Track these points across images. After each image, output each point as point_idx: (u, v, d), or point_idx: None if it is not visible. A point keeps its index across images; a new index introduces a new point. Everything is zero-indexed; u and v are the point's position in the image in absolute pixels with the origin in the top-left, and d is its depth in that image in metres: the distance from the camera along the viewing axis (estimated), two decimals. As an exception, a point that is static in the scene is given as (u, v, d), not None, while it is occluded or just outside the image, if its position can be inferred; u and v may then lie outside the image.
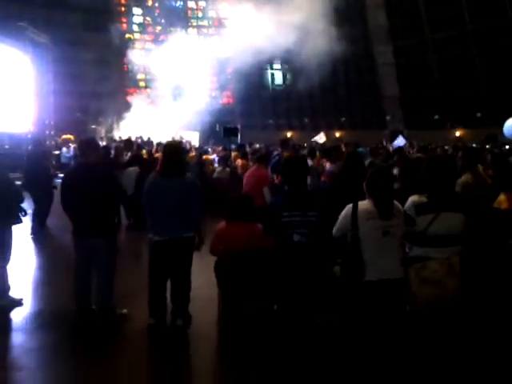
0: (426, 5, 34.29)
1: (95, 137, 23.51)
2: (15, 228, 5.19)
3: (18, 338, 4.46)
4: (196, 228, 4.57)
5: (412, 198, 3.44)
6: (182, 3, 45.80)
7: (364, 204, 3.35)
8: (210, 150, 18.27)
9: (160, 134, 25.46)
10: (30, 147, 10.36)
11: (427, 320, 3.34)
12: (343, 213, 3.41)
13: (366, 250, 3.26)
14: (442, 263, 3.32)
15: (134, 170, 8.77)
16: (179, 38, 35.15)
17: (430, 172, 3.48)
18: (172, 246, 4.46)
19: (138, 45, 45.40)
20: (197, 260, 4.72)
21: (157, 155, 10.33)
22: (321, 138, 24.00)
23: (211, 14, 45.69)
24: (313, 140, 24.19)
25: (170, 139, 17.27)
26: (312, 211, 3.46)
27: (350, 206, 3.37)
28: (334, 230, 3.46)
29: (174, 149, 4.63)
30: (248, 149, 14.26)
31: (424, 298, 3.33)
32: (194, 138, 32.27)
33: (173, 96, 35.70)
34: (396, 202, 3.38)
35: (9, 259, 5.05)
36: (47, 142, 19.61)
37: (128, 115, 36.05)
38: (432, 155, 5.46)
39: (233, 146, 17.29)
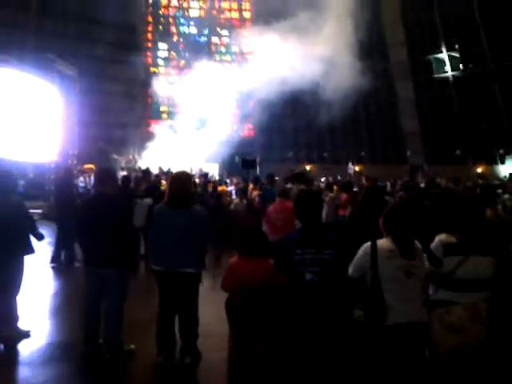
0: (446, 41, 34.46)
1: (113, 167, 23.90)
2: (33, 257, 5.16)
3: (23, 372, 4.36)
4: (200, 263, 4.48)
5: (440, 237, 3.25)
6: (206, 38, 46.94)
7: (383, 242, 3.19)
8: (227, 181, 18.30)
9: (180, 165, 25.70)
10: (57, 175, 10.38)
11: (450, 369, 3.12)
12: (361, 251, 3.24)
13: (387, 291, 3.08)
14: (467, 309, 3.13)
15: (147, 201, 8.60)
16: (203, 69, 35.81)
17: (460, 211, 3.28)
18: (172, 279, 4.37)
19: (162, 78, 46.48)
20: (208, 294, 4.61)
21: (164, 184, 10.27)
22: (350, 168, 24.41)
23: (234, 48, 46.64)
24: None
25: (179, 170, 17.32)
26: (326, 249, 3.32)
27: (368, 244, 3.21)
28: (351, 270, 3.28)
29: (180, 179, 4.57)
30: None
31: (447, 346, 3.13)
32: (213, 170, 32.49)
33: (195, 127, 36.23)
34: (416, 242, 3.22)
35: (18, 290, 4.99)
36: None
37: (150, 145, 36.60)
38: (462, 193, 5.24)
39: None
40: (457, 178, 9.02)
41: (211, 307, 4.88)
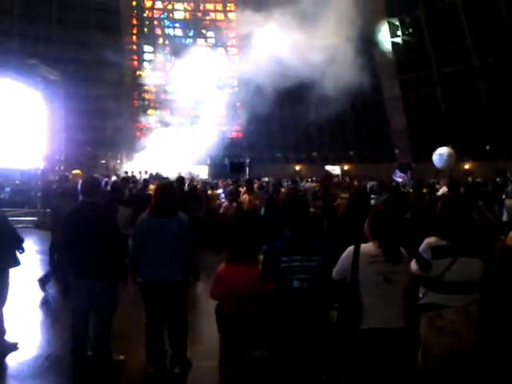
0: (431, 40, 34.69)
1: (102, 171, 23.60)
2: (21, 268, 5.08)
3: (10, 386, 4.29)
4: (188, 271, 4.45)
5: (428, 240, 3.23)
6: (191, 40, 46.82)
7: (367, 246, 3.19)
8: (220, 184, 18.20)
9: (169, 169, 25.59)
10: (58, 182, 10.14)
11: (442, 374, 3.11)
12: (344, 254, 3.27)
13: (365, 295, 3.09)
14: (458, 312, 3.11)
15: (127, 210, 7.89)
16: (191, 60, 35.69)
17: (448, 213, 3.27)
18: (160, 290, 4.32)
19: (148, 81, 46.27)
20: (198, 303, 4.57)
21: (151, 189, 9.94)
22: (334, 169, 24.42)
23: (219, 50, 46.58)
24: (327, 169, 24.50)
25: (168, 176, 17.20)
26: (313, 255, 3.30)
27: (352, 247, 3.22)
28: (334, 273, 3.31)
29: (166, 189, 4.53)
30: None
31: (438, 349, 3.11)
32: (202, 173, 32.44)
33: (186, 123, 36.13)
34: (401, 248, 3.22)
35: (4, 302, 4.91)
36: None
37: (138, 150, 36.43)
38: (449, 195, 5.24)
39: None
40: (455, 183, 8.88)
41: (201, 315, 4.84)
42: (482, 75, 32.40)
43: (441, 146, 24.94)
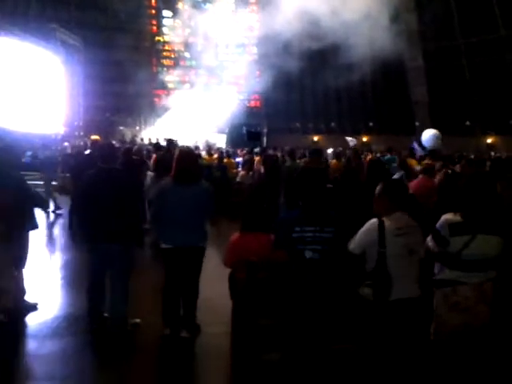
0: (458, 9, 33.54)
1: (120, 138, 23.67)
2: (40, 230, 5.20)
3: (30, 345, 4.45)
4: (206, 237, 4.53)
5: (446, 217, 3.20)
6: (211, 5, 46.05)
7: (390, 219, 3.19)
8: (237, 152, 18.11)
9: (187, 137, 25.59)
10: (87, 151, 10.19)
11: (453, 349, 3.13)
12: (366, 228, 3.24)
13: (390, 267, 3.12)
14: (473, 289, 3.12)
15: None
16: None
17: (469, 190, 3.22)
18: (181, 255, 4.40)
19: (166, 47, 45.89)
20: (208, 269, 4.64)
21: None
22: (352, 140, 24.11)
23: (240, 12, 45.75)
24: (347, 139, 24.26)
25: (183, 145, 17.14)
26: (327, 226, 3.30)
27: (375, 221, 3.21)
28: (353, 246, 3.27)
29: (187, 155, 4.55)
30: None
31: (451, 325, 3.13)
32: (221, 141, 32.38)
33: (209, 91, 35.79)
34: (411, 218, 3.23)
35: (25, 263, 5.05)
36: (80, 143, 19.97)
37: (156, 116, 36.47)
38: (472, 172, 5.15)
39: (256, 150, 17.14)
40: (470, 159, 8.70)
41: (212, 282, 4.92)
42: (509, 46, 31.35)
43: (462, 118, 24.34)
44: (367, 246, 3.22)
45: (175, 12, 45.41)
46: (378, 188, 3.38)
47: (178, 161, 4.49)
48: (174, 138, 23.68)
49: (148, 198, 6.50)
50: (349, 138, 24.56)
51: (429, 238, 3.24)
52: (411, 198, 4.38)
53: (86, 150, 10.78)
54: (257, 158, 12.36)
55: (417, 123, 37.51)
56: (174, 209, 4.39)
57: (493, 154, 21.58)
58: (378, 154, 16.29)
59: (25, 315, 4.88)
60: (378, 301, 3.12)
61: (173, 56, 45.65)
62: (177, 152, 4.64)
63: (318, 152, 8.88)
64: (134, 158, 9.72)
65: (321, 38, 25.85)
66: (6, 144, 5.51)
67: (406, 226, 3.22)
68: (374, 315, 3.18)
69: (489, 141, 32.69)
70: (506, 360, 3.31)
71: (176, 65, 45.34)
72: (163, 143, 16.02)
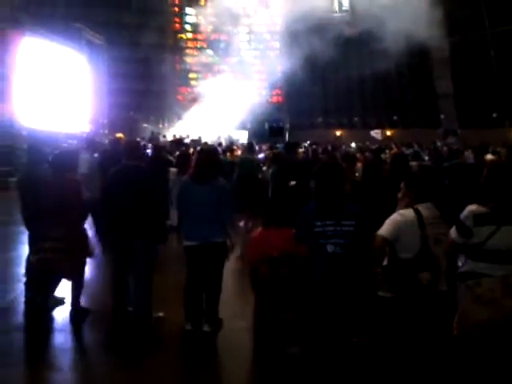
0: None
1: (143, 136, 23.88)
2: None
3: (57, 338, 4.57)
4: (226, 234, 4.57)
5: (470, 207, 3.14)
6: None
7: (423, 209, 3.22)
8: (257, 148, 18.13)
9: (210, 133, 25.74)
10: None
11: (477, 344, 3.08)
12: (399, 215, 3.25)
13: None
14: (497, 281, 3.06)
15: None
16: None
17: (493, 180, 3.18)
18: (203, 252, 4.47)
19: (190, 44, 46.17)
20: (229, 265, 4.68)
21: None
22: (377, 133, 23.86)
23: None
24: (372, 134, 24.00)
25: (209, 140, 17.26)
26: (347, 220, 3.30)
27: (409, 210, 3.22)
28: (386, 232, 3.22)
29: (207, 154, 4.63)
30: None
31: (476, 318, 3.07)
32: (243, 137, 32.47)
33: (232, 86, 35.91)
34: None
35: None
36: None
37: (180, 114, 36.75)
38: (496, 161, 5.08)
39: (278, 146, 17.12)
40: (484, 146, 8.58)
41: (232, 277, 4.96)
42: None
43: (489, 111, 23.61)
44: (403, 233, 3.19)
45: (198, 9, 45.62)
46: (406, 179, 3.40)
47: (196, 160, 4.58)
48: (197, 135, 23.95)
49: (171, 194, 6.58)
50: (373, 133, 24.29)
51: (452, 230, 3.19)
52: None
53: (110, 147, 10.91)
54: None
55: (442, 116, 36.84)
56: (192, 206, 4.50)
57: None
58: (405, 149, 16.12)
59: (52, 309, 4.99)
60: (432, 285, 3.08)
61: (196, 54, 45.89)
62: (197, 151, 4.71)
63: (293, 145, 9.07)
64: (163, 155, 9.89)
65: (343, 28, 25.51)
66: (34, 144, 5.65)
67: (433, 217, 3.25)
68: (426, 303, 3.15)
69: (517, 133, 31.85)
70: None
71: (199, 62, 45.59)
72: (187, 140, 16.14)
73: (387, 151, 12.04)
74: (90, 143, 9.05)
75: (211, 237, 4.47)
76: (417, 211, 3.19)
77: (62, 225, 4.56)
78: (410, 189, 3.32)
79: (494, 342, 3.07)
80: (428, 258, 3.09)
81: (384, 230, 3.23)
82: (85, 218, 5.07)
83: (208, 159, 4.56)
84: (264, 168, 11.76)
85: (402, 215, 3.24)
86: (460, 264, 3.23)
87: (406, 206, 3.31)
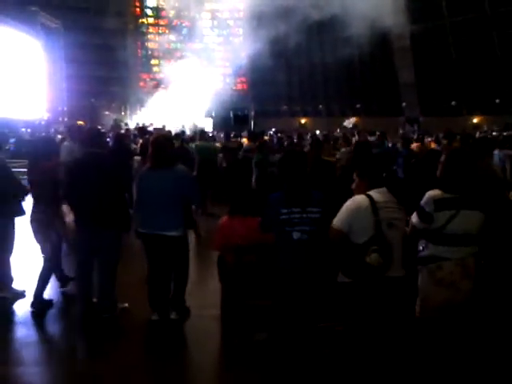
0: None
1: (104, 123, 23.38)
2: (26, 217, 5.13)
3: (19, 332, 4.43)
4: (187, 224, 4.49)
5: (430, 193, 3.23)
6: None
7: (378, 193, 3.21)
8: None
9: (174, 121, 25.40)
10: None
11: (438, 325, 3.18)
12: (353, 202, 3.22)
13: None
14: (457, 264, 3.16)
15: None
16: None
17: (451, 165, 3.26)
18: (158, 242, 4.38)
19: (151, 29, 45.25)
20: (199, 254, 4.64)
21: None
22: (350, 122, 24.05)
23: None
24: (344, 125, 24.14)
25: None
26: (312, 207, 3.32)
27: (362, 196, 3.20)
28: (339, 223, 3.20)
29: (160, 141, 4.54)
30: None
31: (436, 302, 3.17)
32: (208, 125, 32.19)
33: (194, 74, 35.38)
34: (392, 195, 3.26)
35: (11, 250, 5.00)
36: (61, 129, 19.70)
37: (141, 101, 36.06)
38: (453, 148, 5.21)
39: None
40: (450, 133, 8.91)
41: (200, 266, 4.93)
42: (495, 25, 31.38)
43: (449, 99, 24.29)
44: (356, 221, 3.17)
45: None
46: (357, 168, 3.40)
47: (150, 146, 4.50)
48: (161, 123, 23.58)
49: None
50: (346, 122, 24.45)
51: (413, 215, 3.26)
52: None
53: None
54: (245, 141, 12.34)
55: (404, 104, 37.60)
56: (148, 194, 4.41)
57: (478, 133, 21.70)
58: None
59: (12, 303, 4.85)
60: (383, 268, 3.10)
61: (157, 39, 45.02)
62: (152, 138, 4.64)
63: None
64: (125, 144, 9.73)
65: (308, 14, 25.51)
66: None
67: (386, 202, 3.22)
68: (380, 287, 3.14)
69: (475, 120, 32.88)
70: (488, 335, 3.38)
71: (161, 47, 44.77)
72: (150, 128, 15.88)
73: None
74: (75, 132, 8.81)
75: (167, 228, 4.35)
76: (369, 196, 3.18)
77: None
78: (363, 177, 3.34)
79: (455, 323, 3.18)
80: (380, 241, 3.09)
81: (338, 220, 3.22)
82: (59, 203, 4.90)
83: (161, 145, 4.47)
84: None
85: (354, 201, 3.24)
86: (420, 248, 3.31)
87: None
